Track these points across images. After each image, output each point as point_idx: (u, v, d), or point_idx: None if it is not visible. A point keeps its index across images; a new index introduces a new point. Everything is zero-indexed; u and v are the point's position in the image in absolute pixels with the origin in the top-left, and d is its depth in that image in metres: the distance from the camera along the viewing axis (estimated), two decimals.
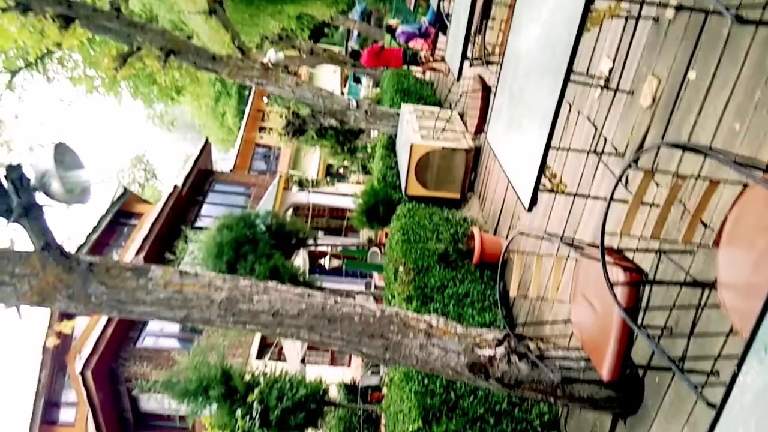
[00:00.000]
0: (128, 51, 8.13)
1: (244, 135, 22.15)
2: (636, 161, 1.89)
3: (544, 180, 3.25)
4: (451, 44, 5.71)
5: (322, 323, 2.92)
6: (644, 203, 2.23)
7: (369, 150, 12.65)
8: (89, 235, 13.59)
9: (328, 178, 19.41)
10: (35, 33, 8.20)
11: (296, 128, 9.20)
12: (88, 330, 11.67)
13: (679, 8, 2.92)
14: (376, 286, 10.95)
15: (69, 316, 9.28)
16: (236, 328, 2.87)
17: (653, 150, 2.85)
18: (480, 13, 5.02)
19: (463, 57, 5.08)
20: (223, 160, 25.36)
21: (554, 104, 2.61)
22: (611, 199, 1.90)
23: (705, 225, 2.40)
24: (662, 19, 3.14)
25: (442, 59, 8.17)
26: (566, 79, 2.50)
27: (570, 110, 4.27)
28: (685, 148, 1.81)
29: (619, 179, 1.88)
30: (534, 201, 2.89)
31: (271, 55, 10.14)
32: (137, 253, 11.77)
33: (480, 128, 6.25)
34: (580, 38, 2.45)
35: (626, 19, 3.29)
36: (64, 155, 2.44)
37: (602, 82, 3.70)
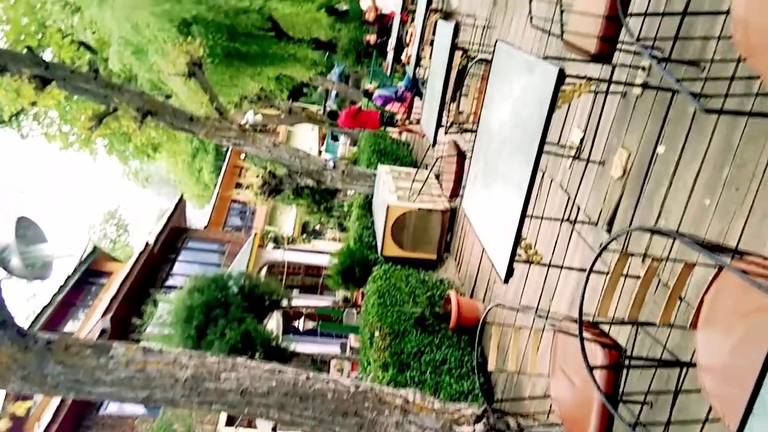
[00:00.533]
0: (105, 111, 8.11)
1: (220, 191, 22.07)
2: (606, 246, 1.89)
3: (519, 251, 3.24)
4: (426, 111, 5.82)
5: (293, 402, 2.79)
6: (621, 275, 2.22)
7: (345, 209, 12.67)
8: (54, 296, 13.13)
9: (305, 235, 19.29)
10: (10, 92, 8.15)
11: (272, 188, 9.17)
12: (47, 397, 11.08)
13: (645, 86, 3.02)
14: (351, 348, 10.70)
15: (24, 397, 8.75)
16: (202, 408, 2.73)
17: (624, 234, 2.88)
18: (454, 82, 5.15)
19: (438, 124, 5.17)
20: (198, 216, 25.14)
21: (527, 181, 2.63)
22: (586, 284, 1.88)
23: (681, 299, 2.39)
24: (630, 94, 3.24)
25: (418, 122, 8.34)
26: (538, 157, 2.53)
27: (543, 177, 4.33)
28: (654, 232, 1.81)
29: (590, 271, 1.87)
30: (510, 274, 2.86)
31: (249, 116, 10.23)
32: (104, 314, 11.36)
33: (456, 192, 6.30)
34: (551, 118, 2.50)
35: (595, 93, 3.39)
36: (26, 229, 2.34)
37: (573, 152, 3.77)
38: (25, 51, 7.37)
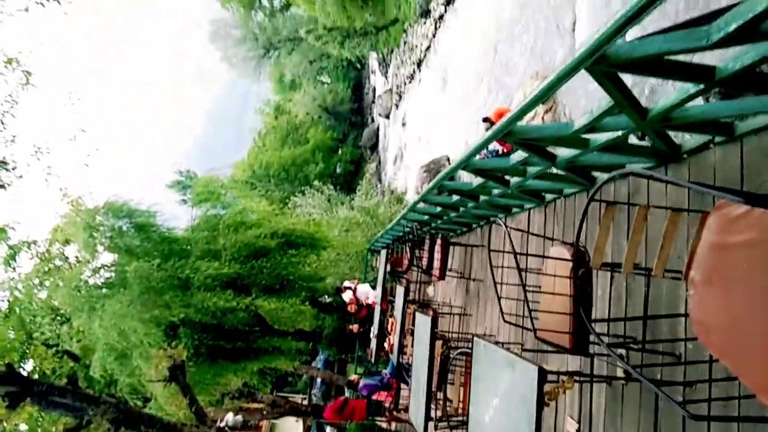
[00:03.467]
0: (76, 424, 7.69)
1: None
2: None
3: None
4: (413, 402, 5.65)
5: None
6: None
7: None
8: None
9: None
10: None
11: None
12: None
13: (627, 378, 3.02)
14: None
15: None
16: None
17: None
18: (438, 372, 5.13)
19: (428, 418, 4.96)
20: None
21: None
22: None
23: None
24: (615, 384, 3.22)
25: (406, 409, 8.01)
26: None
27: None
28: None
29: None
30: None
31: (229, 417, 9.80)
32: None
33: None
34: (541, 418, 2.42)
35: (581, 384, 3.36)
36: None
37: None
38: (4, 368, 7.31)
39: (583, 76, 2.28)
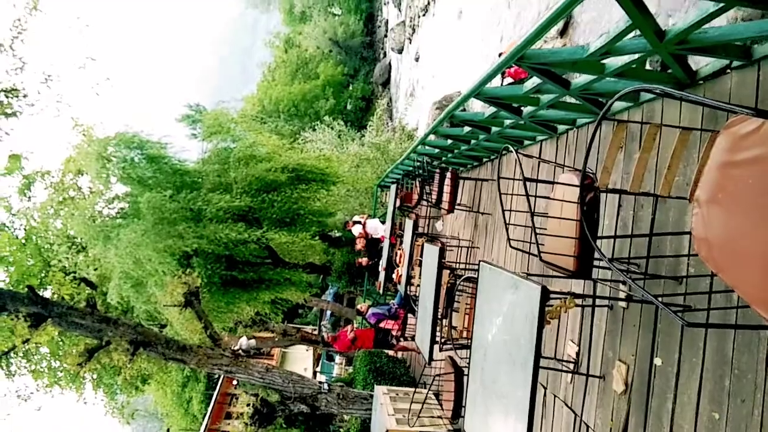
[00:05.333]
0: (96, 345, 8.05)
1: (209, 423, 20.74)
2: None
3: None
4: (419, 328, 5.85)
5: None
6: None
7: None
8: None
9: None
10: (4, 331, 8.15)
11: (264, 417, 8.70)
12: None
13: (629, 300, 3.10)
14: None
15: None
16: None
17: None
18: (444, 300, 5.28)
19: (432, 342, 5.15)
20: None
21: (527, 400, 2.55)
22: None
23: None
24: (617, 307, 3.31)
25: (413, 338, 8.29)
26: (535, 375, 2.49)
27: (545, 394, 4.18)
28: None
29: None
30: None
31: (243, 341, 10.17)
32: None
33: (457, 412, 5.99)
34: (542, 335, 2.52)
35: (583, 308, 3.46)
36: None
37: (572, 366, 3.71)
38: (25, 290, 7.58)
39: (599, 8, 2.22)
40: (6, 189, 12.02)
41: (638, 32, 2.50)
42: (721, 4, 2.14)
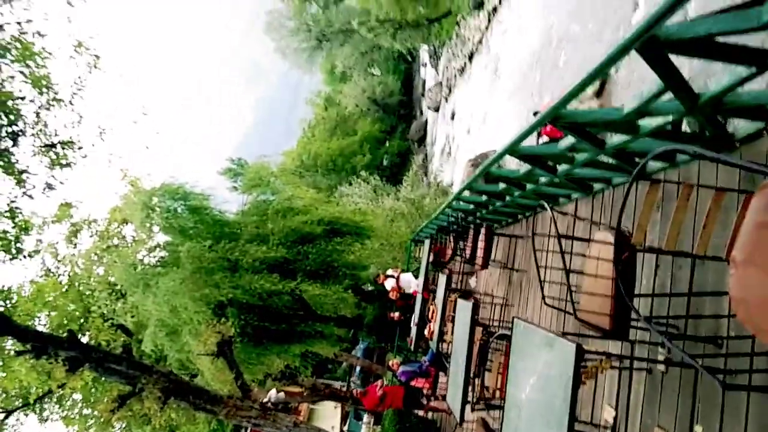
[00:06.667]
0: (129, 392, 8.13)
1: None
2: None
3: None
4: (451, 386, 5.72)
5: None
6: None
7: None
8: None
9: None
10: (42, 374, 8.33)
11: None
12: None
13: (668, 363, 3.01)
14: None
15: None
16: None
17: None
18: (477, 358, 5.18)
19: (464, 401, 5.03)
20: None
21: None
22: None
23: None
24: (655, 370, 3.21)
25: (444, 398, 8.10)
26: None
27: None
28: None
29: None
30: None
31: (272, 394, 10.10)
32: None
33: None
34: (577, 395, 2.46)
35: (620, 370, 3.36)
36: None
37: None
38: (65, 335, 7.79)
39: (637, 68, 2.30)
40: (55, 236, 12.53)
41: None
42: (753, 69, 2.18)
